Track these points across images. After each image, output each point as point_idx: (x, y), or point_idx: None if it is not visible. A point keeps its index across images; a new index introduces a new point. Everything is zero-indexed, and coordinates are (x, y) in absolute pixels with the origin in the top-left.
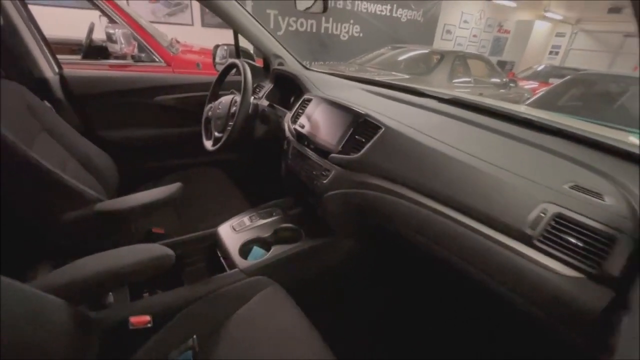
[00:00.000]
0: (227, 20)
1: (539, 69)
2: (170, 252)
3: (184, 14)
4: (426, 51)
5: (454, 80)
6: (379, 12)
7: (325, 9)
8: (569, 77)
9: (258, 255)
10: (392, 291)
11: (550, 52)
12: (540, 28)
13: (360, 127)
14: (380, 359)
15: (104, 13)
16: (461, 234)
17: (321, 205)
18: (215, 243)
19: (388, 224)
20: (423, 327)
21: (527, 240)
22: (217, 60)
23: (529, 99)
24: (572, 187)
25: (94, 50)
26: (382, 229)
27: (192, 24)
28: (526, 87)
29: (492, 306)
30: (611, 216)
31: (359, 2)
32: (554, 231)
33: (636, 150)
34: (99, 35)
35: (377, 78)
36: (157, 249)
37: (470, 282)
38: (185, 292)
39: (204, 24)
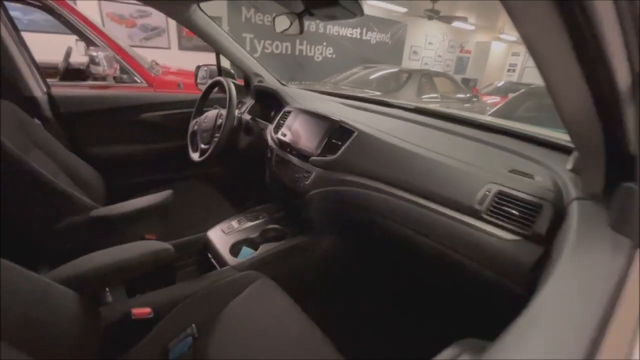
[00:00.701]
0: (211, 43)
1: (499, 85)
2: (168, 246)
3: (161, 38)
4: (395, 70)
5: (422, 96)
6: (349, 35)
7: (301, 31)
8: (522, 90)
9: (247, 254)
10: (368, 274)
11: (509, 70)
12: (498, 48)
13: (336, 132)
14: (360, 328)
15: (82, 37)
16: (424, 214)
17: (305, 205)
18: (206, 246)
19: (364, 213)
20: (396, 297)
21: (476, 214)
22: (199, 80)
23: (490, 111)
24: (510, 171)
25: (71, 73)
26: (358, 224)
27: (170, 48)
28: (489, 101)
29: (451, 274)
30: (538, 190)
31: (331, 26)
32: (496, 205)
33: (559, 142)
34: (73, 59)
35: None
36: (156, 244)
37: (431, 255)
38: (181, 289)
39: (181, 47)
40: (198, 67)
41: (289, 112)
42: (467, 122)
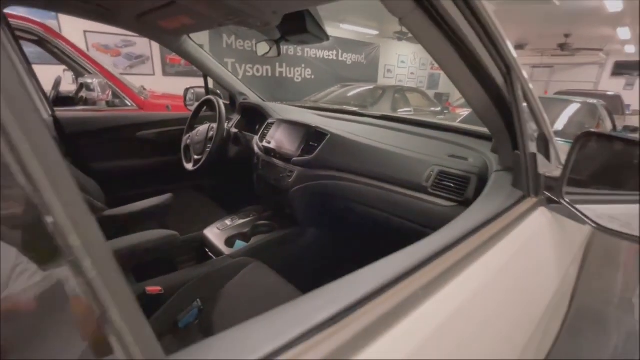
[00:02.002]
0: (200, 67)
1: None
2: (175, 233)
3: (145, 65)
4: (371, 87)
5: (398, 110)
6: (327, 57)
7: (279, 54)
8: None
9: (240, 246)
10: (344, 254)
11: None
12: None
13: (312, 136)
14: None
15: (70, 67)
16: (386, 195)
17: (289, 201)
18: (203, 242)
19: (339, 201)
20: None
21: (424, 190)
22: (187, 101)
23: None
24: (449, 156)
25: (60, 101)
26: (335, 211)
27: (154, 74)
28: (460, 113)
29: (399, 234)
30: (468, 167)
31: (309, 49)
32: (438, 181)
33: (487, 133)
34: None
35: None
36: (164, 231)
37: (392, 228)
38: (184, 274)
39: (165, 74)
40: (187, 90)
41: (272, 123)
42: (418, 123)
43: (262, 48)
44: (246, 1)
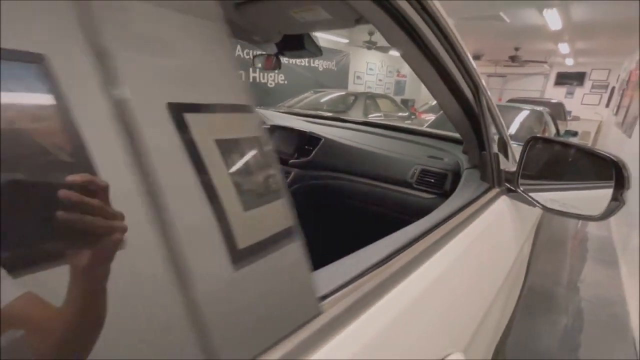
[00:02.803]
0: None
1: (433, 104)
2: None
3: None
4: (343, 93)
5: (369, 115)
6: (299, 63)
7: (279, 67)
8: None
9: None
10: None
11: None
12: None
13: (307, 140)
14: None
15: None
16: (376, 191)
17: None
18: None
19: (334, 198)
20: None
21: (409, 185)
22: None
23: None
24: (428, 157)
25: None
26: (330, 208)
27: None
28: (426, 118)
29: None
30: (444, 165)
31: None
32: (420, 178)
33: (458, 137)
34: None
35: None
36: None
37: (383, 220)
38: None
39: None
40: None
41: (266, 129)
42: (400, 129)
43: (260, 61)
44: (256, 23)
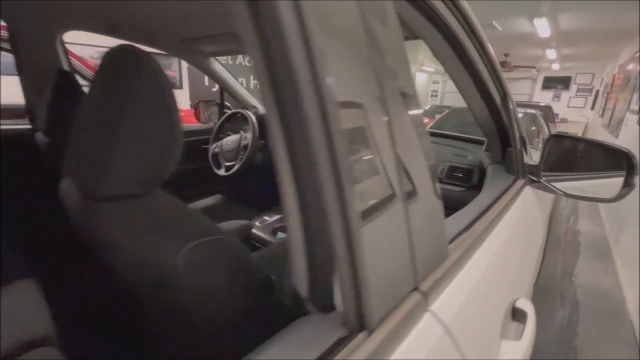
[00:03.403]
0: (219, 82)
1: (427, 108)
2: (249, 222)
3: None
4: None
5: None
6: None
7: None
8: (445, 112)
9: (283, 235)
10: None
11: (432, 95)
12: (421, 78)
13: None
14: None
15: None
16: None
17: None
18: (250, 235)
19: None
20: None
21: (440, 180)
22: (203, 114)
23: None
24: (454, 155)
25: None
26: None
27: None
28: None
29: None
30: (469, 162)
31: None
32: (449, 173)
33: (477, 138)
34: None
35: None
36: (242, 221)
37: None
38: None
39: None
40: (199, 103)
41: None
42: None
43: None
44: None
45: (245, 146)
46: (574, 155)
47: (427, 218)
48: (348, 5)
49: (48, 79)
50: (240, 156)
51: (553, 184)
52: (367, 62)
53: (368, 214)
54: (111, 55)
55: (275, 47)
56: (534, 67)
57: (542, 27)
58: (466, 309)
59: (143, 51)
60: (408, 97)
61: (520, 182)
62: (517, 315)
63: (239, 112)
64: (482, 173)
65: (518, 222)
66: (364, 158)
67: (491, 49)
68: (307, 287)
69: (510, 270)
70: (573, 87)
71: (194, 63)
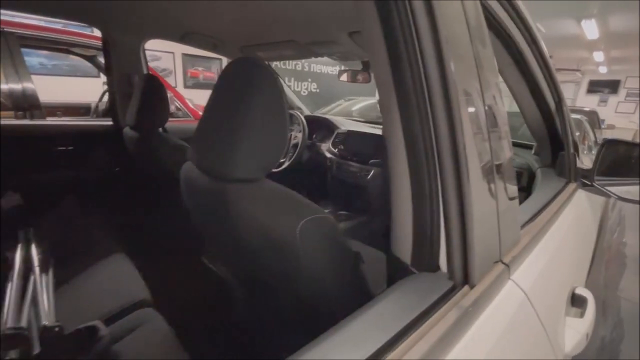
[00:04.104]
0: None
1: None
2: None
3: (169, 78)
4: (373, 101)
5: None
6: (330, 72)
7: (370, 79)
8: None
9: None
10: None
11: None
12: None
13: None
14: None
15: None
16: None
17: (364, 194)
18: None
19: None
20: None
21: None
22: None
23: None
24: None
25: (107, 111)
26: None
27: (176, 86)
28: None
29: None
30: (518, 165)
31: (314, 64)
32: None
33: (525, 143)
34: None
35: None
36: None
37: None
38: None
39: (185, 86)
40: None
41: (342, 133)
42: None
43: (345, 75)
44: (361, 48)
45: (295, 145)
46: (629, 161)
47: (508, 202)
48: (463, 30)
49: (131, 81)
50: (290, 154)
51: (607, 187)
52: (473, 70)
53: (476, 193)
54: (236, 65)
55: (403, 47)
56: (578, 70)
57: (590, 28)
58: (538, 284)
59: (264, 62)
60: (497, 96)
61: (572, 186)
62: (576, 301)
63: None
64: (530, 176)
65: (573, 221)
66: (475, 142)
67: (549, 57)
68: (411, 254)
69: (569, 261)
70: (622, 92)
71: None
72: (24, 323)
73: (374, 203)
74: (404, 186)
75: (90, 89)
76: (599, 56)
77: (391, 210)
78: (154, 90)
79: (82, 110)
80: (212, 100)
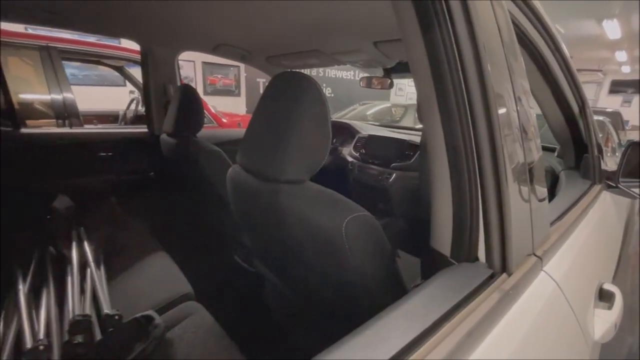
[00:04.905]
0: None
1: None
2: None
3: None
4: (388, 105)
5: (416, 126)
6: (345, 77)
7: (392, 85)
8: None
9: None
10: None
11: None
12: None
13: (406, 147)
14: None
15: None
16: None
17: (386, 197)
18: None
19: None
20: None
21: None
22: None
23: None
24: None
25: (134, 119)
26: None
27: None
28: None
29: None
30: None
31: (329, 69)
32: None
33: (548, 146)
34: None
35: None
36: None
37: None
38: None
39: (205, 93)
40: None
41: (363, 137)
42: None
43: (366, 81)
44: (385, 57)
45: None
46: None
47: (539, 200)
48: (496, 37)
49: (166, 91)
50: None
51: (633, 189)
52: (506, 74)
53: (513, 191)
54: (283, 78)
55: (443, 54)
56: (600, 70)
57: (612, 29)
58: (568, 276)
59: (309, 76)
60: (526, 99)
61: (597, 187)
62: (604, 296)
63: None
64: (553, 178)
65: (599, 221)
66: (510, 143)
67: (572, 62)
68: (450, 247)
69: (596, 258)
70: None
71: (272, 74)
72: (87, 311)
73: (396, 205)
74: (444, 185)
75: (117, 96)
76: (621, 55)
77: (432, 207)
78: (190, 99)
79: (110, 117)
80: (259, 111)
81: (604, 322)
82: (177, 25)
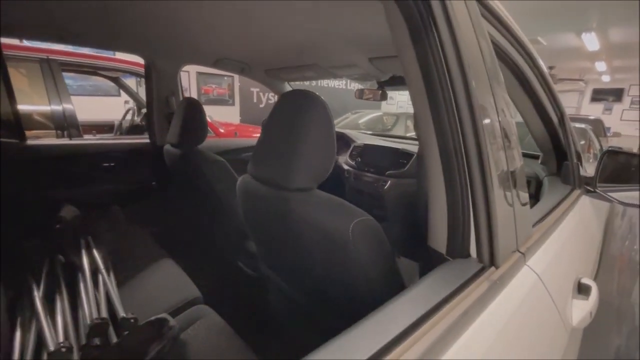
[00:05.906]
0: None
1: None
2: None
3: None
4: (380, 114)
5: (407, 134)
6: (337, 87)
7: (386, 97)
8: None
9: None
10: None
11: None
12: None
13: (400, 155)
14: None
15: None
16: None
17: (381, 204)
18: None
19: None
20: None
21: None
22: None
23: None
24: None
25: (130, 128)
26: (421, 211)
27: None
28: None
29: None
30: (527, 174)
31: (322, 80)
32: None
33: (532, 153)
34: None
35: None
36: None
37: None
38: None
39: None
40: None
41: (359, 146)
42: None
43: (362, 94)
44: (379, 71)
45: None
46: (629, 169)
47: (521, 202)
48: (478, 57)
49: (169, 102)
50: None
51: (609, 193)
52: (488, 88)
53: (498, 195)
54: (291, 96)
55: (435, 72)
56: (581, 80)
57: (590, 41)
58: (548, 270)
59: (315, 93)
60: (507, 110)
61: (577, 192)
62: (582, 290)
63: None
64: (537, 184)
65: (578, 222)
66: (495, 148)
67: (550, 79)
68: (446, 245)
69: (575, 255)
70: (626, 99)
71: (270, 86)
72: (104, 315)
73: (391, 211)
74: (440, 191)
75: (112, 106)
76: (601, 66)
77: (429, 210)
78: (194, 111)
79: (105, 127)
80: (270, 125)
81: (580, 310)
82: (180, 42)
